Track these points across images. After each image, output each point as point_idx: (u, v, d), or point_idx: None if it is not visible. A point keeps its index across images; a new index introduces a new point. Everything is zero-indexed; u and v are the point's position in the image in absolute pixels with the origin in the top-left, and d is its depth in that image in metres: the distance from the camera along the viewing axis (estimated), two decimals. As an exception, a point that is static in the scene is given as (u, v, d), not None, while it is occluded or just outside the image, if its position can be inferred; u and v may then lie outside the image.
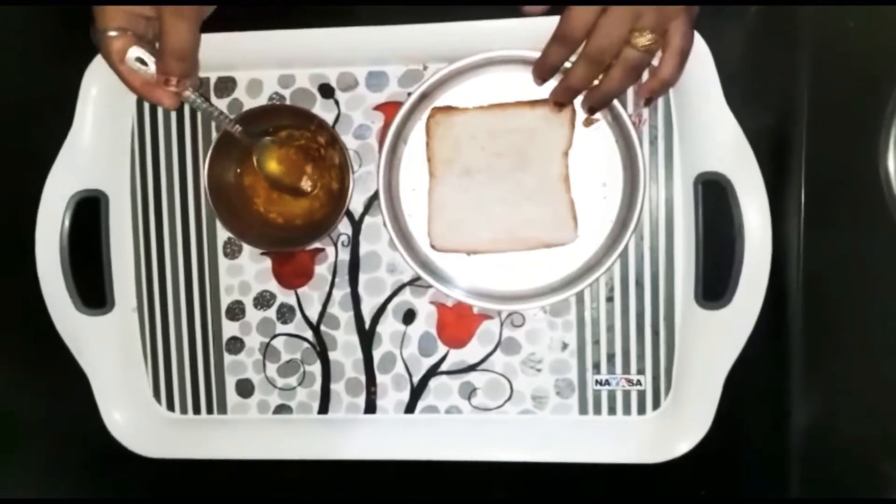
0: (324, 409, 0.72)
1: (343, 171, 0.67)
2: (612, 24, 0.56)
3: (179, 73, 0.60)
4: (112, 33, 0.59)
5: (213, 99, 0.71)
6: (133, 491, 0.75)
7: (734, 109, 0.64)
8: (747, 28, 0.66)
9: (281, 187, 0.69)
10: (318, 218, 0.70)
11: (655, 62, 0.61)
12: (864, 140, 0.60)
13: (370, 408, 0.71)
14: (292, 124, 0.69)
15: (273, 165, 0.67)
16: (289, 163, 0.69)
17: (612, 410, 0.70)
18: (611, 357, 0.69)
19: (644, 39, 0.56)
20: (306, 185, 0.68)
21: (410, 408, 0.71)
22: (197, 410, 0.73)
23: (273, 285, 0.71)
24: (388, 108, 0.69)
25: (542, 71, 0.63)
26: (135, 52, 0.59)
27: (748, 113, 0.64)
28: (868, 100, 0.61)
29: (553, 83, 0.64)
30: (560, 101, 0.64)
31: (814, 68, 0.64)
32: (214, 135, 0.70)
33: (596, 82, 0.61)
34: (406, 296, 0.70)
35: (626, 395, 0.69)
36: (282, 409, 0.72)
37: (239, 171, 0.70)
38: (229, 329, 0.72)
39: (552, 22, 0.59)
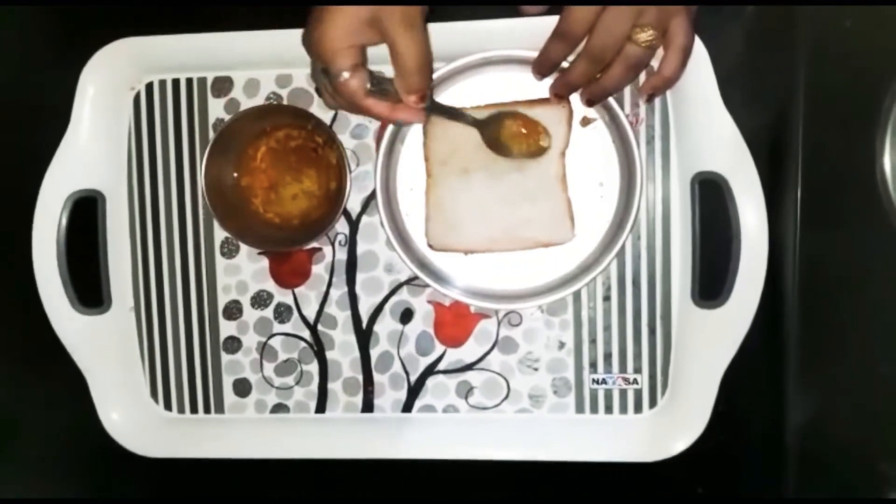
0: (321, 408, 0.72)
1: (340, 171, 0.67)
2: (613, 20, 0.56)
3: (425, 86, 0.58)
4: (347, 74, 0.56)
5: (210, 98, 0.71)
6: (131, 490, 0.75)
7: (731, 109, 0.64)
8: (744, 28, 0.66)
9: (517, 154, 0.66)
10: (315, 218, 0.70)
11: (654, 62, 0.62)
12: (861, 139, 0.60)
13: (367, 407, 0.71)
14: (290, 124, 0.69)
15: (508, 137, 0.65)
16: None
17: (608, 409, 0.70)
18: (608, 356, 0.69)
19: (645, 36, 0.56)
20: (544, 141, 0.65)
21: (408, 407, 0.71)
22: (194, 410, 0.73)
23: (270, 285, 0.71)
24: (386, 108, 0.69)
25: (542, 67, 0.63)
26: (374, 82, 0.57)
27: (745, 112, 0.64)
28: (865, 99, 0.61)
29: (551, 78, 0.64)
30: (560, 94, 0.64)
31: (810, 68, 0.64)
32: (212, 134, 0.70)
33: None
34: (403, 295, 0.70)
35: (623, 393, 0.69)
36: (279, 408, 0.72)
37: (236, 173, 0.70)
38: (226, 328, 0.72)
39: (550, 22, 0.59)
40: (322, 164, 0.70)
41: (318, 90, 0.62)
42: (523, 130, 0.65)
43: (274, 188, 0.71)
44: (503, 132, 0.65)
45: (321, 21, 0.55)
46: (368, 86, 0.57)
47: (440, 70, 0.65)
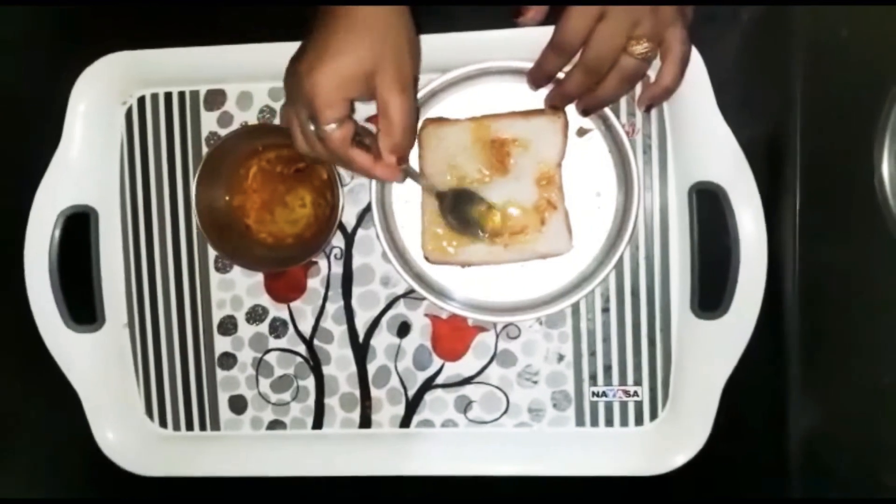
0: (318, 424, 0.71)
1: (332, 188, 0.66)
2: (608, 32, 0.56)
3: (408, 148, 0.58)
4: (335, 126, 0.55)
5: (203, 112, 0.70)
6: (127, 510, 0.74)
7: (728, 118, 0.64)
8: (740, 36, 0.66)
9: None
10: (309, 236, 0.70)
11: (650, 72, 0.61)
12: (859, 147, 0.60)
13: (365, 422, 0.71)
14: (280, 143, 0.69)
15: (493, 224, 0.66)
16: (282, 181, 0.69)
17: (609, 422, 0.69)
18: (607, 368, 0.69)
19: (641, 48, 0.56)
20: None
21: (406, 422, 0.70)
22: (190, 427, 0.72)
23: (265, 300, 0.71)
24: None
25: (537, 78, 0.63)
26: (357, 134, 0.57)
27: (742, 121, 0.64)
28: (862, 107, 0.61)
29: (547, 89, 0.64)
30: (555, 105, 0.64)
31: (807, 76, 0.64)
32: (205, 149, 0.70)
33: None
34: (400, 309, 0.70)
35: (624, 406, 0.69)
36: (275, 424, 0.71)
37: (228, 195, 0.70)
38: (221, 344, 0.71)
39: (546, 32, 0.59)
40: (314, 182, 0.69)
41: (290, 131, 0.59)
42: (482, 209, 0.65)
43: (266, 208, 0.70)
44: (466, 208, 0.65)
45: (317, 68, 0.53)
46: (358, 140, 0.57)
47: (436, 81, 0.65)
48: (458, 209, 0.65)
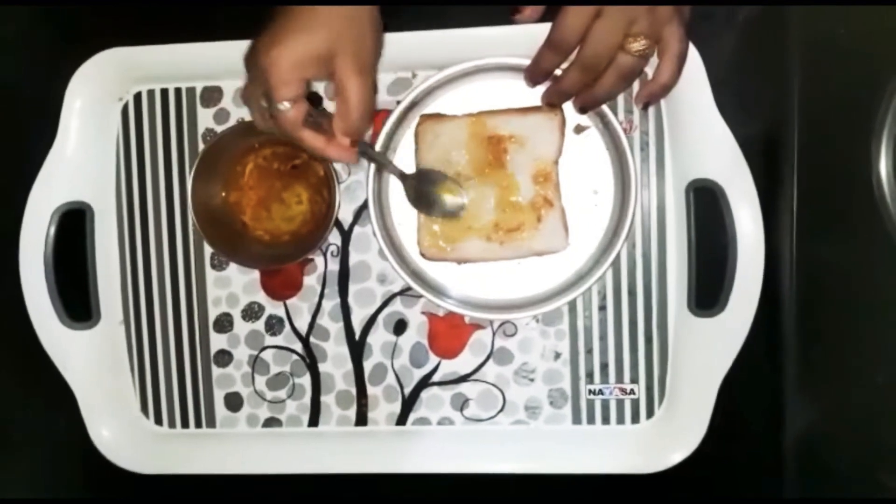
0: (314, 422, 0.71)
1: (329, 186, 0.66)
2: (605, 30, 0.55)
3: (364, 130, 0.59)
4: (288, 105, 0.55)
5: (199, 108, 0.70)
6: (122, 507, 0.74)
7: (725, 116, 0.64)
8: (738, 34, 0.66)
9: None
10: (305, 233, 0.69)
11: (647, 69, 0.61)
12: (856, 145, 0.60)
13: (361, 420, 0.70)
14: (276, 140, 0.68)
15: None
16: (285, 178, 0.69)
17: (605, 420, 0.69)
18: (604, 366, 0.68)
19: (638, 45, 0.56)
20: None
21: (402, 420, 0.70)
22: (185, 425, 0.72)
23: (261, 297, 0.70)
24: (377, 116, 0.68)
25: (534, 75, 0.62)
26: (310, 114, 0.57)
27: (739, 119, 0.64)
28: (859, 105, 0.61)
29: (544, 86, 0.64)
30: (552, 102, 0.64)
31: (805, 74, 0.64)
32: (201, 146, 0.70)
33: None
34: (397, 306, 0.70)
35: (620, 404, 0.69)
36: (271, 422, 0.71)
37: (224, 192, 0.69)
38: (217, 342, 0.71)
39: (542, 29, 0.59)
40: (310, 179, 0.69)
41: (247, 107, 0.60)
42: (446, 188, 0.65)
43: (263, 205, 0.70)
44: (430, 189, 0.65)
45: (275, 46, 0.54)
46: (311, 120, 0.57)
47: (433, 77, 0.65)
48: (423, 189, 0.65)
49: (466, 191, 0.65)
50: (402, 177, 0.65)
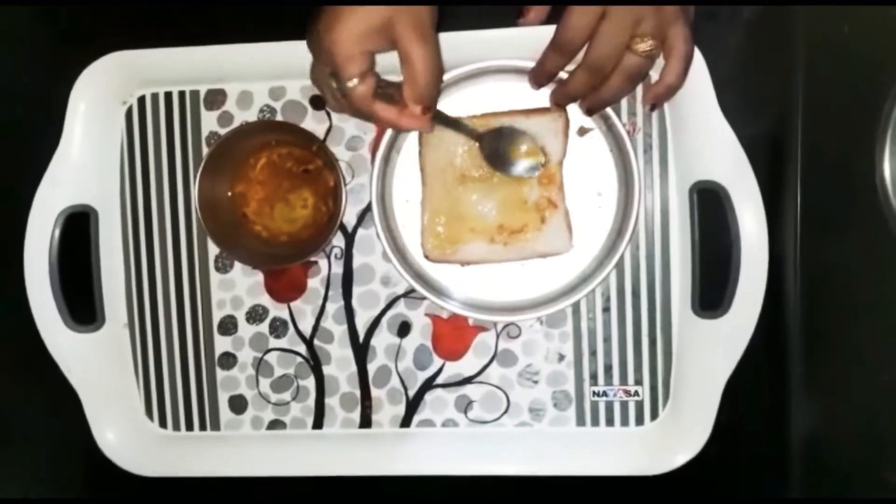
0: (318, 424, 0.71)
1: (336, 197, 0.66)
2: (612, 31, 0.55)
3: (434, 97, 0.58)
4: (357, 80, 0.56)
5: (203, 111, 0.70)
6: (127, 510, 0.74)
7: (729, 117, 0.64)
8: (741, 35, 0.66)
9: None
10: (304, 237, 0.70)
11: (653, 72, 0.61)
12: (861, 146, 0.60)
13: (365, 422, 0.70)
14: (293, 142, 0.69)
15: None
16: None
17: (609, 422, 0.69)
18: (608, 368, 0.68)
19: (644, 46, 0.56)
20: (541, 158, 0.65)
21: (406, 422, 0.70)
22: (190, 427, 0.72)
23: (265, 299, 0.71)
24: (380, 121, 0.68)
25: (539, 77, 0.62)
26: (381, 87, 0.57)
27: (743, 120, 0.64)
28: (864, 106, 0.61)
29: (548, 88, 0.64)
30: (559, 103, 0.64)
31: (808, 74, 0.64)
32: (205, 149, 0.70)
33: None
34: (400, 308, 0.70)
35: (624, 406, 0.69)
36: (276, 424, 0.71)
37: (231, 192, 0.70)
38: (222, 344, 0.71)
39: (548, 31, 0.59)
40: (319, 187, 0.69)
41: (319, 92, 0.62)
42: (523, 148, 0.64)
43: (267, 201, 0.70)
44: (507, 148, 0.65)
45: (333, 25, 0.54)
46: (382, 93, 0.57)
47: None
48: (499, 148, 0.65)
49: (542, 155, 0.65)
50: (479, 137, 0.65)
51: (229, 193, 0.70)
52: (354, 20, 0.54)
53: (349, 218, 0.69)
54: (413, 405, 0.70)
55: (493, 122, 0.65)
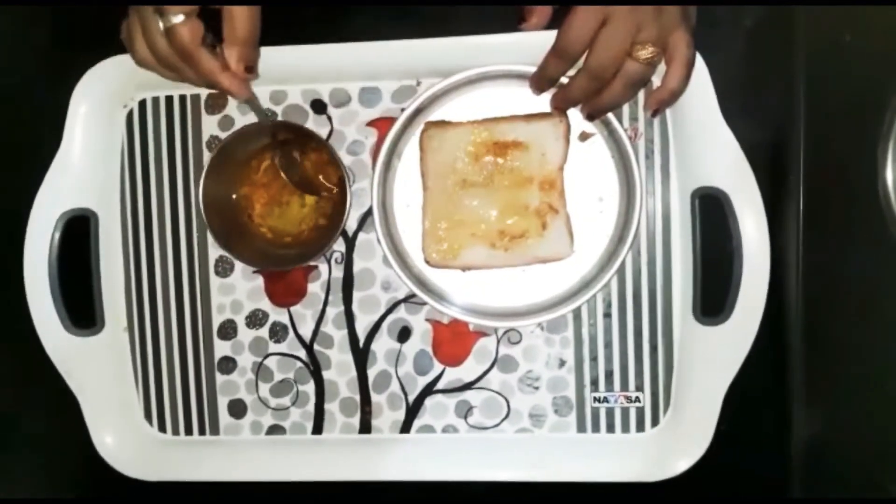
0: (318, 429, 0.71)
1: (342, 202, 0.66)
2: (613, 37, 0.55)
3: (254, 58, 0.59)
4: (181, 18, 0.54)
5: (204, 115, 0.70)
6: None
7: (731, 123, 0.64)
8: (743, 42, 0.66)
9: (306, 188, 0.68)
10: (308, 241, 0.69)
11: (654, 78, 0.61)
12: (862, 153, 0.60)
13: (365, 428, 0.70)
14: (293, 139, 0.68)
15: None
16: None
17: (610, 428, 0.69)
18: (609, 374, 0.68)
19: (646, 52, 0.56)
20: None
21: (406, 427, 0.70)
22: (189, 432, 0.72)
23: (265, 304, 0.70)
24: (382, 124, 0.68)
25: (539, 83, 0.62)
26: (207, 38, 0.56)
27: (745, 127, 0.64)
28: (865, 112, 0.60)
29: (549, 94, 0.64)
30: (559, 108, 0.64)
31: (810, 81, 0.64)
32: (207, 154, 0.70)
33: None
34: (401, 313, 0.69)
35: (625, 412, 0.68)
36: (275, 429, 0.71)
37: (235, 195, 0.70)
38: (221, 348, 0.71)
39: (549, 37, 0.58)
40: (323, 190, 0.69)
41: (131, 46, 0.58)
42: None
43: (272, 203, 0.70)
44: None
45: None
46: (208, 41, 0.56)
47: (438, 84, 0.65)
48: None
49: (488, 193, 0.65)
50: (271, 129, 0.66)
51: (234, 196, 0.70)
52: None
53: (350, 222, 0.69)
54: (413, 410, 0.70)
55: (492, 131, 0.65)
